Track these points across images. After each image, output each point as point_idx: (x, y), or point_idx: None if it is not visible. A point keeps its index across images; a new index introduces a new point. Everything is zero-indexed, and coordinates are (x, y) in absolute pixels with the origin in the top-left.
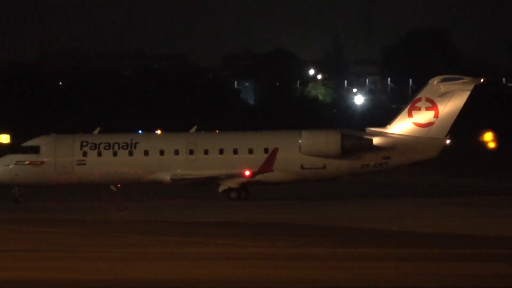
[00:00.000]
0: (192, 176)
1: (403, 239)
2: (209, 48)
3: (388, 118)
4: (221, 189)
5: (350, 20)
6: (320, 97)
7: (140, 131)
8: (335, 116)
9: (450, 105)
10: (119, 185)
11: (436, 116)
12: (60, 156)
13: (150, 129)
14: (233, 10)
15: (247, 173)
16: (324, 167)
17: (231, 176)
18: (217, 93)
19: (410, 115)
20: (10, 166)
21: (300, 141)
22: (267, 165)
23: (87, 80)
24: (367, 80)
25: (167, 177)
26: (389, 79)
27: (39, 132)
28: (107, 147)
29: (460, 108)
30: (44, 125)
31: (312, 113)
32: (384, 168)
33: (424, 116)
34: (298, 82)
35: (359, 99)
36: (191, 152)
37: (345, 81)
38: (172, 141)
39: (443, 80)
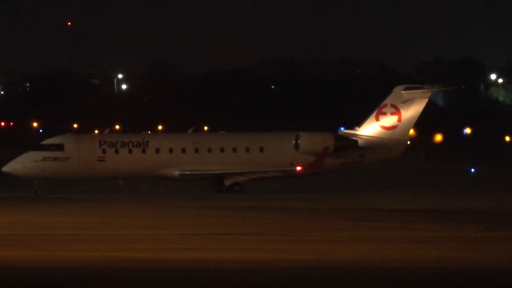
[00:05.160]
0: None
1: None
2: (405, 55)
3: None
4: (227, 183)
5: None
6: (501, 99)
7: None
8: None
9: (411, 111)
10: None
11: (399, 120)
12: (83, 153)
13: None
14: (427, 20)
15: (298, 168)
16: (310, 164)
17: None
18: None
19: (377, 119)
20: (37, 162)
21: (299, 141)
22: (318, 162)
23: (297, 84)
24: None
25: (175, 172)
26: None
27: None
28: (122, 145)
29: (419, 113)
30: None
31: (492, 113)
32: (359, 165)
33: (389, 120)
34: (482, 85)
35: None
36: (196, 150)
37: None
38: (180, 140)
39: (406, 89)
